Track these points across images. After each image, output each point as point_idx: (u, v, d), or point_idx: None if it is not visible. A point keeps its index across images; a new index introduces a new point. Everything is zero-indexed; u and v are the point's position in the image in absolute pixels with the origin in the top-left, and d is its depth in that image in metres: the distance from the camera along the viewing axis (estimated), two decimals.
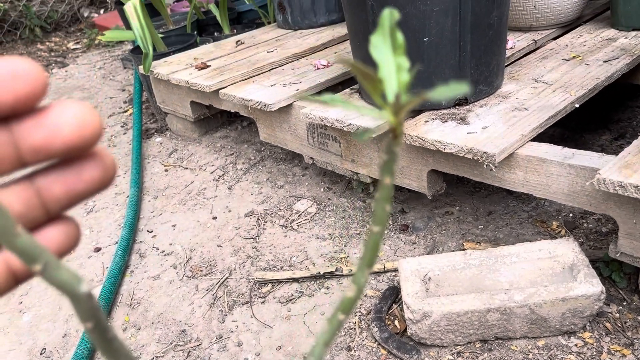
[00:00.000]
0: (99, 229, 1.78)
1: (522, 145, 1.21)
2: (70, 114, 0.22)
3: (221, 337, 1.27)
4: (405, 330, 1.16)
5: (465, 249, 1.38)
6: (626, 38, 1.66)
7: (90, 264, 1.62)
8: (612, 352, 1.07)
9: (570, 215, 1.45)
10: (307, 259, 1.47)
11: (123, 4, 2.47)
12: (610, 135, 1.74)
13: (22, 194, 0.23)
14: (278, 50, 2.10)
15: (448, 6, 1.27)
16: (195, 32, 2.66)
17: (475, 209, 1.54)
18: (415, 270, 1.18)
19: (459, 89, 0.22)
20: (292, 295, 1.36)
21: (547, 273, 1.15)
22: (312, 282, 1.39)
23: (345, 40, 2.14)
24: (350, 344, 1.19)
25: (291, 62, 1.99)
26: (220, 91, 1.79)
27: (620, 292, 1.19)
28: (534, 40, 1.75)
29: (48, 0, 4.67)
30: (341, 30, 2.23)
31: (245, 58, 2.05)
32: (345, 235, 1.53)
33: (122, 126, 2.56)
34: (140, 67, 2.15)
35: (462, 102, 1.39)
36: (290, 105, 1.64)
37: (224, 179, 1.93)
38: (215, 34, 2.81)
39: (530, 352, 1.09)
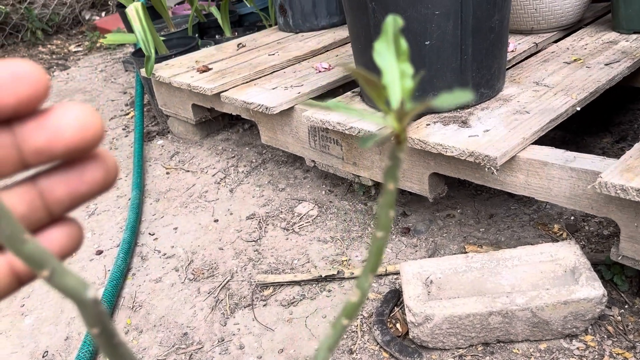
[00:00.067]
0: (101, 231, 1.79)
1: (524, 148, 1.21)
2: (72, 116, 0.22)
3: (223, 340, 1.28)
4: (407, 333, 1.16)
5: (466, 252, 1.38)
6: (627, 41, 1.66)
7: (92, 267, 1.62)
8: (614, 355, 1.07)
9: (572, 218, 1.45)
10: (308, 262, 1.47)
11: (124, 7, 2.47)
12: (611, 138, 1.74)
13: (25, 196, 0.23)
14: (279, 53, 2.10)
15: (449, 10, 1.27)
16: (197, 35, 2.67)
17: (477, 212, 1.54)
18: (417, 273, 1.18)
19: (462, 97, 0.23)
20: (294, 298, 1.36)
21: (548, 276, 1.15)
22: (314, 285, 1.39)
23: (346, 43, 2.14)
24: (352, 347, 1.19)
25: (292, 65, 1.99)
26: (221, 94, 1.79)
27: (622, 295, 1.19)
28: (535, 43, 1.75)
29: (50, 3, 4.68)
30: (342, 33, 2.24)
31: (247, 61, 2.06)
32: (346, 238, 1.53)
33: (123, 129, 2.56)
34: (142, 70, 2.16)
35: (463, 105, 1.39)
36: (291, 108, 1.65)
37: (225, 182, 1.94)
38: (217, 36, 2.82)
39: (532, 355, 1.09)
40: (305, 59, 2.04)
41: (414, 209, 1.59)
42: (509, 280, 1.16)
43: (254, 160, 2.04)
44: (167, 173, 2.08)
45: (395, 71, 0.26)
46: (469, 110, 1.38)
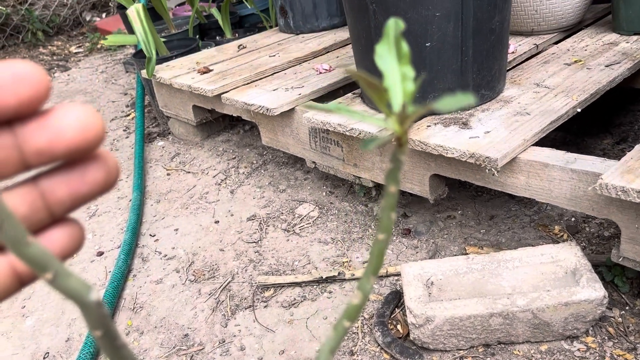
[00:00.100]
0: (102, 233, 1.79)
1: (524, 150, 1.21)
2: (73, 116, 0.22)
3: (224, 342, 1.28)
4: (408, 334, 1.16)
5: (467, 254, 1.38)
6: (627, 42, 1.66)
7: (93, 268, 1.62)
8: (615, 356, 1.07)
9: (573, 219, 1.45)
10: (309, 263, 1.47)
11: (125, 8, 2.48)
12: (612, 139, 1.74)
13: (27, 197, 0.23)
14: (280, 54, 2.10)
15: (450, 11, 1.27)
16: (197, 36, 2.67)
17: (478, 213, 1.54)
18: (417, 275, 1.19)
19: (464, 100, 0.23)
20: (295, 299, 1.36)
21: (549, 277, 1.15)
22: (315, 286, 1.39)
23: (347, 45, 2.15)
24: (353, 348, 1.19)
25: (293, 66, 1.99)
26: (222, 95, 1.79)
27: (623, 296, 1.19)
28: (535, 44, 1.76)
29: (50, 4, 4.69)
30: (343, 34, 2.24)
31: (248, 62, 2.06)
32: (347, 240, 1.53)
33: (124, 130, 2.56)
34: (143, 71, 2.16)
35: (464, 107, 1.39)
36: (292, 110, 1.65)
37: (226, 183, 1.94)
38: (217, 37, 2.82)
39: (533, 356, 1.09)
40: (306, 60, 2.04)
41: (415, 210, 1.59)
42: (510, 281, 1.16)
43: (254, 162, 2.04)
44: (168, 174, 2.08)
45: (397, 74, 0.26)
46: (469, 111, 1.38)
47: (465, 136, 1.26)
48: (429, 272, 1.20)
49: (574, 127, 1.80)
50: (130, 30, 2.74)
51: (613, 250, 1.12)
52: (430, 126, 1.33)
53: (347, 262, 1.45)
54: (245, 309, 1.36)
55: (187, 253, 1.60)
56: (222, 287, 1.44)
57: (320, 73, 1.84)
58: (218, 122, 2.30)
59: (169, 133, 2.41)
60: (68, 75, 3.61)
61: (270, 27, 2.77)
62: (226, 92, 1.82)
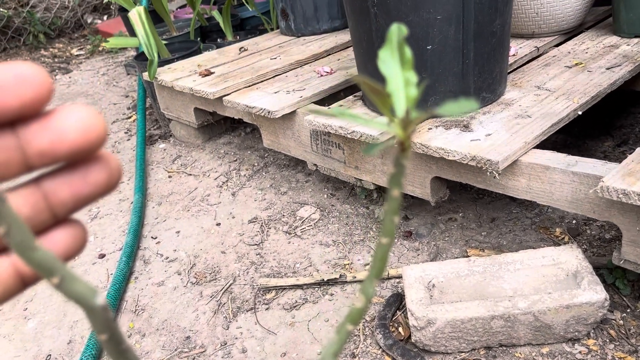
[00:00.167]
0: (103, 235, 1.79)
1: (526, 152, 1.21)
2: (76, 117, 0.22)
3: (225, 344, 1.28)
4: (410, 337, 1.16)
5: (468, 256, 1.39)
6: (628, 45, 1.67)
7: (95, 271, 1.62)
8: (617, 359, 1.07)
9: (574, 222, 1.45)
10: (310, 266, 1.47)
11: (127, 11, 2.48)
12: (612, 141, 1.74)
13: (29, 198, 0.24)
14: (281, 57, 2.11)
15: (451, 14, 1.28)
16: (199, 39, 2.68)
17: (479, 216, 1.54)
18: (419, 277, 1.19)
19: (468, 106, 0.23)
20: (296, 301, 1.36)
21: (550, 280, 1.15)
22: (316, 288, 1.39)
23: (348, 47, 2.15)
24: (355, 350, 1.19)
25: (294, 69, 2.00)
26: (224, 98, 1.80)
27: (624, 299, 1.20)
28: (536, 47, 1.76)
29: (52, 6, 4.69)
30: (344, 37, 2.24)
31: (249, 65, 2.06)
32: (348, 242, 1.53)
33: (125, 132, 2.57)
34: (145, 74, 2.16)
35: None
36: (293, 112, 1.65)
37: (227, 185, 1.94)
38: (218, 40, 2.82)
39: (534, 359, 1.09)
40: (307, 63, 2.04)
41: (416, 213, 1.59)
42: (511, 284, 1.16)
43: (256, 164, 2.04)
44: (169, 176, 2.08)
45: (400, 79, 0.26)
46: (470, 114, 1.39)
47: (467, 139, 1.26)
48: (430, 274, 1.20)
49: (575, 129, 1.80)
50: (132, 33, 2.74)
51: (614, 253, 1.12)
52: (431, 129, 1.33)
53: (348, 264, 1.45)
54: (247, 311, 1.36)
55: (189, 255, 1.60)
56: (223, 290, 1.44)
57: (322, 76, 1.84)
58: (219, 125, 2.30)
59: (171, 135, 2.41)
60: (69, 77, 3.62)
61: (272, 29, 2.77)
62: (228, 94, 1.82)
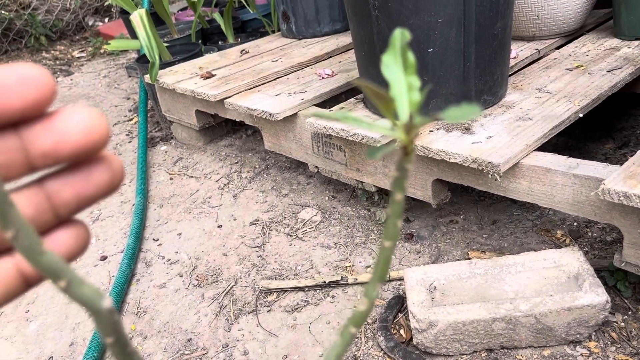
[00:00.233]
0: (105, 237, 1.79)
1: (527, 155, 1.21)
2: (78, 118, 0.22)
3: (227, 346, 1.28)
4: (411, 339, 1.16)
5: (470, 258, 1.39)
6: (629, 47, 1.67)
7: (97, 273, 1.63)
8: None
9: (575, 224, 1.46)
10: (312, 268, 1.47)
11: (128, 13, 2.49)
12: (613, 144, 1.75)
13: (33, 199, 0.24)
14: (282, 59, 2.11)
15: (452, 17, 1.28)
16: (200, 41, 2.68)
17: (480, 218, 1.54)
18: (420, 280, 1.19)
19: (471, 112, 0.23)
20: (298, 304, 1.36)
21: (552, 282, 1.15)
22: (318, 290, 1.39)
23: (349, 50, 2.15)
24: (356, 353, 1.19)
25: (295, 71, 2.00)
26: (225, 100, 1.80)
27: (626, 301, 1.20)
28: (537, 49, 1.76)
29: (53, 9, 4.70)
30: (345, 39, 2.24)
31: (250, 67, 2.06)
32: (350, 244, 1.54)
33: (127, 135, 2.57)
34: (146, 76, 2.17)
35: None
36: (295, 115, 1.65)
37: (229, 188, 1.94)
38: (220, 42, 2.83)
39: None
40: (308, 65, 2.04)
41: (417, 215, 1.59)
42: (513, 286, 1.16)
43: (257, 166, 2.04)
44: (171, 179, 2.09)
45: (403, 84, 0.26)
46: None
47: (468, 141, 1.26)
48: (431, 276, 1.20)
49: (576, 131, 1.80)
50: (133, 35, 2.75)
51: (615, 255, 1.12)
52: (432, 131, 1.34)
53: (349, 266, 1.45)
54: (249, 313, 1.36)
55: (190, 257, 1.61)
56: (225, 292, 1.44)
57: (323, 78, 1.85)
58: (221, 127, 2.31)
59: (172, 137, 2.41)
60: (71, 79, 3.63)
61: (273, 32, 2.78)
62: (229, 97, 1.83)
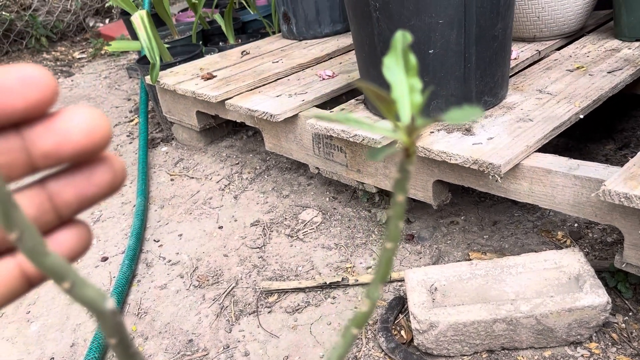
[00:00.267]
0: (106, 238, 1.79)
1: (527, 156, 1.21)
2: (80, 119, 0.22)
3: (228, 347, 1.28)
4: (412, 340, 1.16)
5: (470, 259, 1.39)
6: (630, 49, 1.67)
7: (98, 274, 1.63)
8: None
9: (576, 225, 1.46)
10: (313, 269, 1.47)
11: (128, 14, 2.49)
12: (614, 145, 1.75)
13: (35, 199, 0.24)
14: (283, 60, 2.11)
15: (453, 19, 1.28)
16: (201, 42, 2.68)
17: (481, 219, 1.54)
18: (421, 281, 1.19)
19: (472, 114, 0.23)
20: (299, 305, 1.36)
21: (552, 283, 1.15)
22: (319, 291, 1.39)
23: (350, 51, 2.15)
24: (357, 354, 1.19)
25: (296, 72, 2.00)
26: (226, 102, 1.80)
27: (626, 302, 1.20)
28: (537, 50, 1.76)
29: (54, 10, 4.71)
30: (346, 40, 2.25)
31: (251, 68, 2.07)
32: (350, 245, 1.54)
33: (127, 135, 2.57)
34: (147, 77, 2.17)
35: None
36: (295, 116, 1.66)
37: (229, 189, 1.94)
38: (220, 43, 2.83)
39: None
40: (309, 67, 2.05)
41: (418, 216, 1.60)
42: (513, 287, 1.16)
43: (258, 167, 2.05)
44: (172, 180, 2.09)
45: (405, 86, 0.27)
46: None
47: (469, 142, 1.26)
48: (432, 277, 1.20)
49: (577, 132, 1.80)
50: (134, 36, 2.75)
51: (616, 256, 1.12)
52: (433, 132, 1.34)
53: (350, 267, 1.45)
54: (249, 314, 1.36)
55: (191, 258, 1.61)
56: (226, 293, 1.44)
57: (324, 79, 1.85)
58: (221, 128, 2.31)
59: (173, 138, 2.41)
60: (72, 80, 3.63)
61: (273, 33, 2.78)
62: (230, 98, 1.83)
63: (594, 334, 1.12)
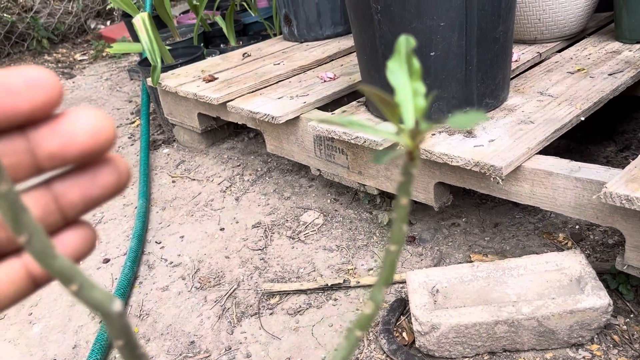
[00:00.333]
0: (108, 240, 1.80)
1: (529, 158, 1.22)
2: (85, 120, 0.23)
3: (230, 349, 1.28)
4: (414, 342, 1.17)
5: (472, 261, 1.39)
6: (630, 51, 1.67)
7: (99, 275, 1.63)
8: None
9: (577, 227, 1.46)
10: (314, 271, 1.48)
11: (130, 16, 2.49)
12: (615, 147, 1.75)
13: (40, 200, 0.24)
14: (284, 62, 2.12)
15: (454, 21, 1.28)
16: (202, 44, 2.69)
17: (482, 221, 1.55)
18: (423, 282, 1.19)
19: (477, 118, 0.23)
20: (300, 306, 1.36)
21: (554, 285, 1.15)
22: (320, 293, 1.39)
23: (351, 53, 2.16)
24: (359, 356, 1.20)
25: (298, 74, 2.01)
26: (227, 104, 1.80)
27: (628, 304, 1.20)
28: (538, 53, 1.76)
29: (55, 12, 4.71)
30: (347, 42, 2.25)
31: (252, 70, 2.07)
32: (352, 247, 1.54)
33: (129, 137, 2.57)
34: (148, 79, 2.17)
35: None
36: (297, 118, 1.66)
37: (231, 190, 1.95)
38: (222, 45, 2.83)
39: None
40: (310, 69, 2.05)
41: (419, 218, 1.60)
42: (515, 289, 1.16)
43: (259, 169, 2.05)
44: (173, 181, 2.09)
45: (408, 90, 0.27)
46: None
47: (470, 145, 1.26)
48: (434, 279, 1.20)
49: (578, 135, 1.80)
50: (135, 38, 2.75)
51: (617, 258, 1.12)
52: (434, 134, 1.34)
53: (352, 269, 1.46)
54: (251, 316, 1.37)
55: (193, 260, 1.61)
56: (227, 294, 1.45)
57: (325, 81, 1.85)
58: (223, 130, 2.31)
59: (174, 140, 2.42)
60: (73, 82, 3.63)
61: (275, 35, 2.79)
62: (231, 100, 1.83)
63: (596, 336, 1.12)
